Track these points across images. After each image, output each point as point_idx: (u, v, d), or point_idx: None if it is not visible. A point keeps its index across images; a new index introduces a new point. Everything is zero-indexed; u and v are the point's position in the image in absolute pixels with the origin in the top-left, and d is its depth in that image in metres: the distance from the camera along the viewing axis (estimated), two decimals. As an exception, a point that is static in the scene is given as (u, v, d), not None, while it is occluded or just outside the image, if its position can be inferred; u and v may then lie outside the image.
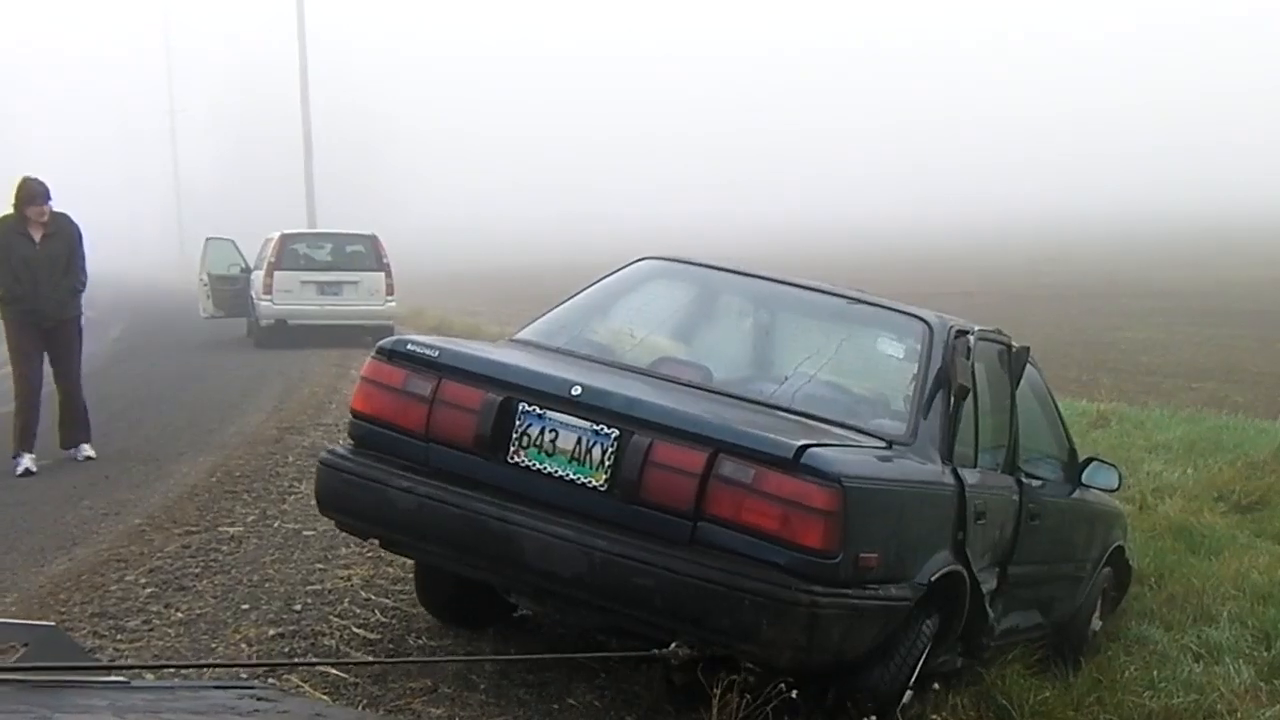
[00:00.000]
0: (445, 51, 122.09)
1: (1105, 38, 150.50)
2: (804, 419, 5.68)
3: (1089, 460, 7.65)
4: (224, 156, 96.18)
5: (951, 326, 6.21)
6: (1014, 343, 6.79)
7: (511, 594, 5.97)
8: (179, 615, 6.88)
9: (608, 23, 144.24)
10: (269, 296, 24.14)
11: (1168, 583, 8.90)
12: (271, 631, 6.61)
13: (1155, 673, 7.09)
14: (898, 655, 5.51)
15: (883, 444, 5.61)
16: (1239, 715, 6.47)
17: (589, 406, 5.33)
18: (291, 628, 6.69)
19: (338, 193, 64.53)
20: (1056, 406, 7.88)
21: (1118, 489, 7.90)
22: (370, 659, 6.27)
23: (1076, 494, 7.56)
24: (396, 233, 31.24)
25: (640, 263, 7.04)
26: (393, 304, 24.63)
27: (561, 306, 6.81)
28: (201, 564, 7.98)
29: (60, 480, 10.74)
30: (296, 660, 6.13)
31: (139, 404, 16.42)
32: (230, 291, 26.35)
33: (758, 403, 5.89)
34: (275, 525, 8.96)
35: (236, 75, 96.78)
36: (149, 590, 7.35)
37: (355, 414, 5.95)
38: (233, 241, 27.36)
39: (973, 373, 6.11)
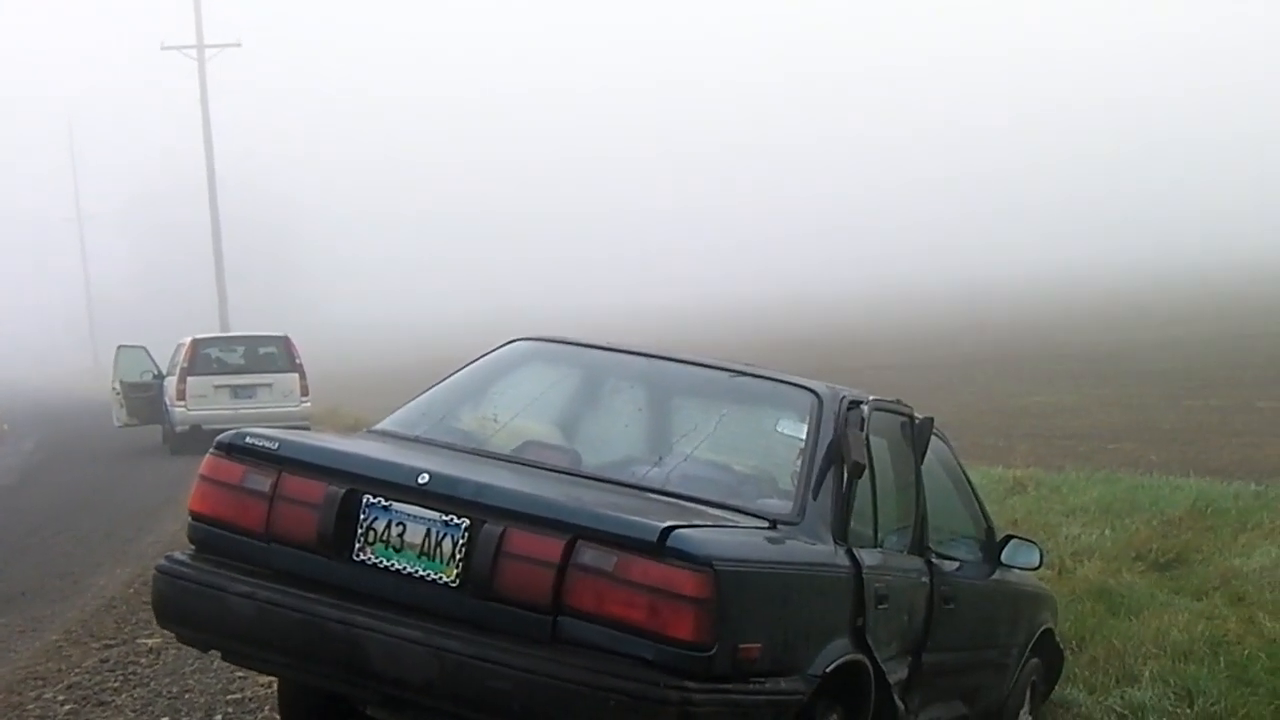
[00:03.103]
0: (346, 136, 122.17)
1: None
2: (678, 501, 5.31)
3: (1007, 538, 7.11)
4: (134, 264, 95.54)
5: (844, 397, 5.84)
6: (917, 414, 6.31)
7: (365, 706, 5.33)
8: (96, 733, 6.79)
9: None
10: (183, 402, 24.07)
11: (1089, 645, 8.92)
12: (191, 746, 6.54)
13: (1080, 737, 7.11)
14: None
15: (765, 524, 5.25)
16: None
17: (437, 495, 4.93)
18: (211, 740, 6.62)
19: (249, 292, 64.25)
20: (970, 482, 7.40)
21: (1039, 567, 7.41)
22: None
23: (996, 575, 7.06)
24: (310, 329, 31.11)
25: (512, 344, 6.58)
26: (307, 404, 24.71)
27: (425, 394, 6.34)
28: (120, 677, 7.90)
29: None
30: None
31: (55, 517, 16.20)
32: (144, 399, 26.22)
33: (628, 485, 5.49)
34: (194, 635, 8.85)
35: (143, 181, 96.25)
36: (67, 707, 7.27)
37: (194, 515, 5.44)
38: (145, 349, 27.27)
39: (869, 446, 5.67)
